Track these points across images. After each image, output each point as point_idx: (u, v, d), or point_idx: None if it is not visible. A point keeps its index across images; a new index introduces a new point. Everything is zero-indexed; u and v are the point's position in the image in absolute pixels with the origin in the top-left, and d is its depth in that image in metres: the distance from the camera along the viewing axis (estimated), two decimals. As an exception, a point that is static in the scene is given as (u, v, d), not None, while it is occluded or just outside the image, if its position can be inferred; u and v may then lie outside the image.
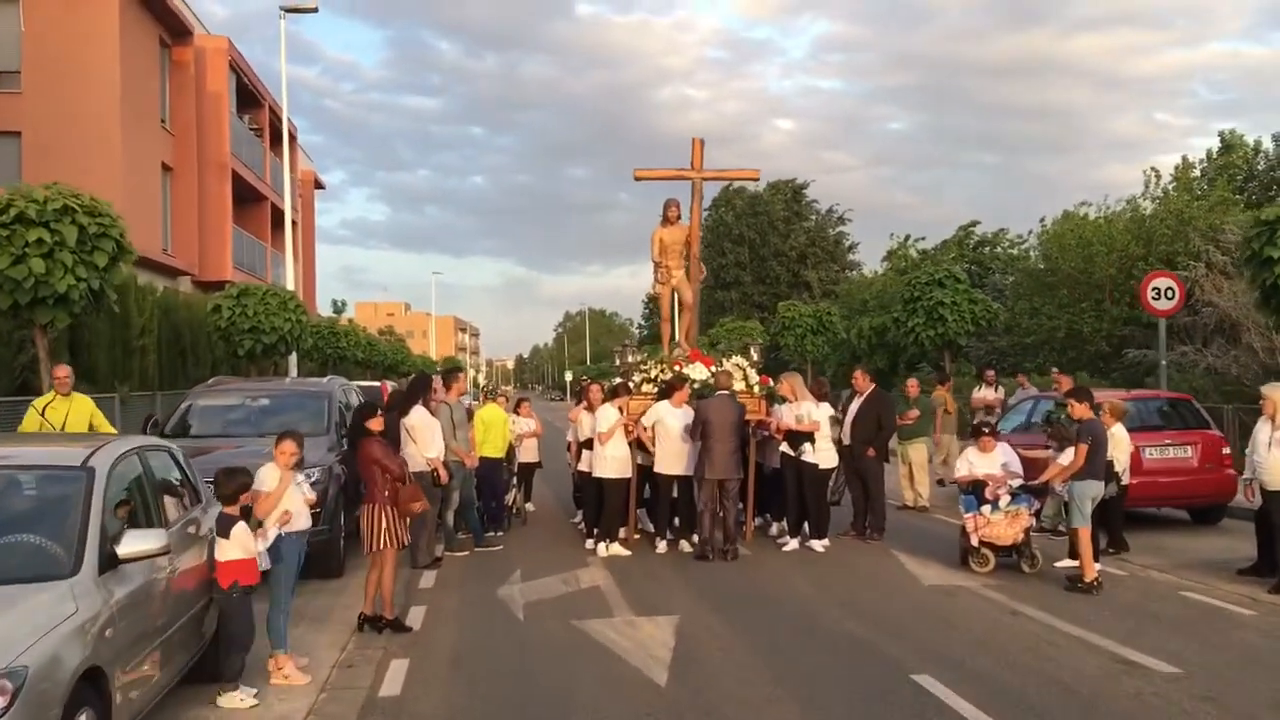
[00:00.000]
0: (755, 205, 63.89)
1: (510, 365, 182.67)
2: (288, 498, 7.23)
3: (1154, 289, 16.05)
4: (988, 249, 48.91)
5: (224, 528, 6.61)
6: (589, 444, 12.15)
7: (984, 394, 18.72)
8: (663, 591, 9.85)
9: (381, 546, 8.33)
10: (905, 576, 10.43)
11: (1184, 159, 47.99)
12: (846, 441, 12.41)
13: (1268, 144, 46.33)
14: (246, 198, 35.67)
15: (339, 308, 57.78)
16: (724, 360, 12.73)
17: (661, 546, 11.85)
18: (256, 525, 7.00)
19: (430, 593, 9.97)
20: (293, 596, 7.46)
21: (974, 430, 11.25)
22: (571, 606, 9.21)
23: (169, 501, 6.77)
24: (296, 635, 8.22)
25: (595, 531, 12.23)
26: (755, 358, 12.93)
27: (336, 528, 10.74)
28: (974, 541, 10.49)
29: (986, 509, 10.45)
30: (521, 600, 9.49)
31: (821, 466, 11.83)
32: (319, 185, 52.02)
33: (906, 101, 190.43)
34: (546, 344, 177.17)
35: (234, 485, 6.71)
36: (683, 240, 13.52)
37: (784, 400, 12.60)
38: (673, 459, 11.75)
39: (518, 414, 14.81)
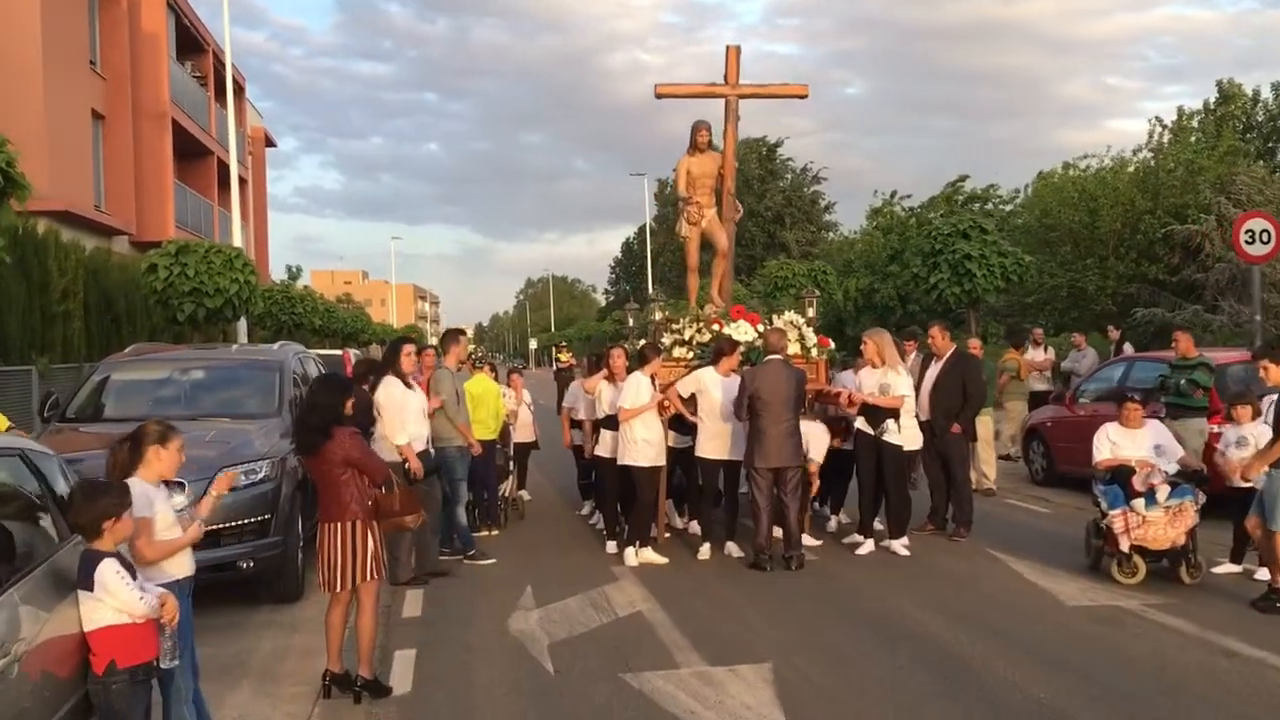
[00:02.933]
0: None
1: (470, 333, 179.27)
2: (169, 525, 4.74)
3: (1247, 232, 13.80)
4: (978, 205, 46.66)
5: (85, 574, 4.14)
6: (609, 422, 9.69)
7: (1033, 356, 16.46)
8: (728, 621, 7.46)
9: (364, 579, 5.86)
10: (1034, 592, 8.10)
11: (1180, 109, 46.11)
12: (924, 416, 10.03)
13: (1266, 94, 44.49)
14: (190, 152, 32.64)
15: (293, 274, 54.66)
16: (773, 318, 10.30)
17: (704, 551, 9.46)
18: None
19: (417, 627, 7.51)
20: (194, 677, 4.97)
21: (1118, 401, 8.84)
22: (615, 648, 6.80)
23: (21, 536, 4.30)
24: (234, 705, 5.77)
25: (618, 531, 9.85)
26: (811, 314, 10.52)
27: (292, 538, 8.25)
28: (1124, 545, 8.17)
29: (1140, 503, 8.08)
30: (545, 638, 7.06)
31: (906, 449, 9.49)
32: (270, 143, 48.77)
33: (862, 66, 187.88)
34: (507, 311, 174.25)
35: (94, 510, 4.23)
36: (714, 171, 11.06)
37: (848, 367, 10.28)
38: (717, 441, 9.35)
39: (509, 386, 12.34)
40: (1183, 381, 10.39)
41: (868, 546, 9.50)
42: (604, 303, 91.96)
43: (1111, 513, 8.20)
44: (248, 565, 7.77)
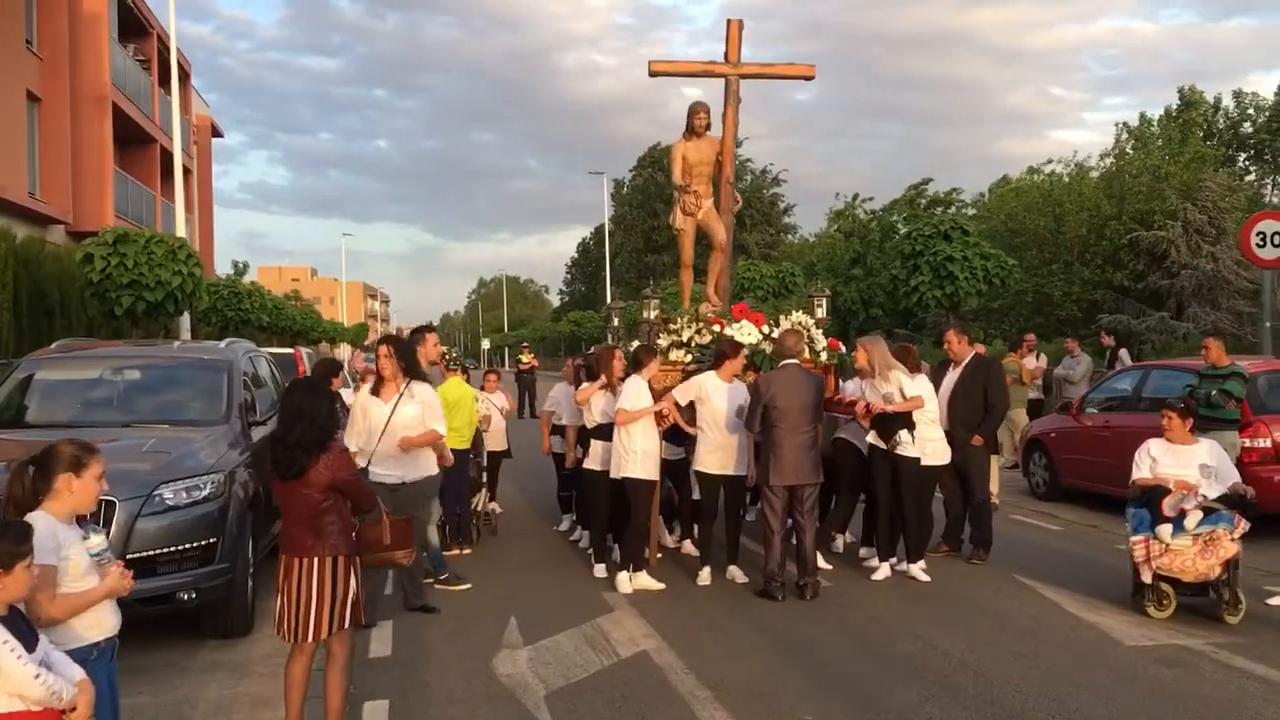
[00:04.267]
0: (687, 164, 60.49)
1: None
2: (82, 574, 3.71)
3: (1258, 234, 13.10)
4: (940, 209, 46.24)
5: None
6: (600, 432, 8.70)
7: (1025, 363, 15.70)
8: (746, 663, 6.52)
9: (340, 627, 4.85)
10: (1080, 627, 7.23)
11: (1142, 115, 45.98)
12: (942, 428, 9.16)
13: (1228, 101, 44.51)
14: (132, 138, 31.16)
15: (240, 270, 52.98)
16: (782, 318, 9.37)
17: (704, 576, 8.50)
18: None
19: (389, 670, 6.47)
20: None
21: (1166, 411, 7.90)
22: (624, 699, 5.83)
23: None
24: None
25: (607, 551, 8.90)
26: (822, 314, 9.61)
27: (241, 563, 7.18)
28: (1145, 575, 7.37)
29: (1165, 529, 7.22)
30: (540, 686, 6.06)
31: (925, 463, 8.61)
32: (217, 133, 47.08)
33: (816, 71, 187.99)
34: (458, 311, 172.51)
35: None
36: (713, 158, 10.11)
37: (856, 373, 9.40)
38: (719, 454, 8.42)
39: (484, 389, 11.33)
40: (1214, 392, 9.63)
41: (884, 571, 8.62)
42: (559, 303, 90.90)
43: (1133, 539, 7.39)
44: (189, 597, 6.70)
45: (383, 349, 7.51)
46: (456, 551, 9.72)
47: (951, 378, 9.39)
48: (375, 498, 5.08)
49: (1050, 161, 46.40)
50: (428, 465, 7.58)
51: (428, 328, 8.99)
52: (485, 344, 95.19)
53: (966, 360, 9.43)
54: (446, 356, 10.26)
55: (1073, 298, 35.76)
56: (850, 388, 9.56)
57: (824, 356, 9.34)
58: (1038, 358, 16.27)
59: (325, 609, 4.76)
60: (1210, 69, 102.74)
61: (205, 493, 6.90)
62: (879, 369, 8.51)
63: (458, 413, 9.54)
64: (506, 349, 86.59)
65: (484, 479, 10.72)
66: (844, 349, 9.68)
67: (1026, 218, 37.49)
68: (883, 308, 39.51)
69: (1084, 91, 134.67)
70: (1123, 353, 15.47)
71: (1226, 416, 9.60)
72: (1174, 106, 44.93)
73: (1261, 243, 13.11)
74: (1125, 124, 45.79)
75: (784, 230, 61.87)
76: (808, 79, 10.25)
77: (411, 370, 7.49)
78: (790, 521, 8.12)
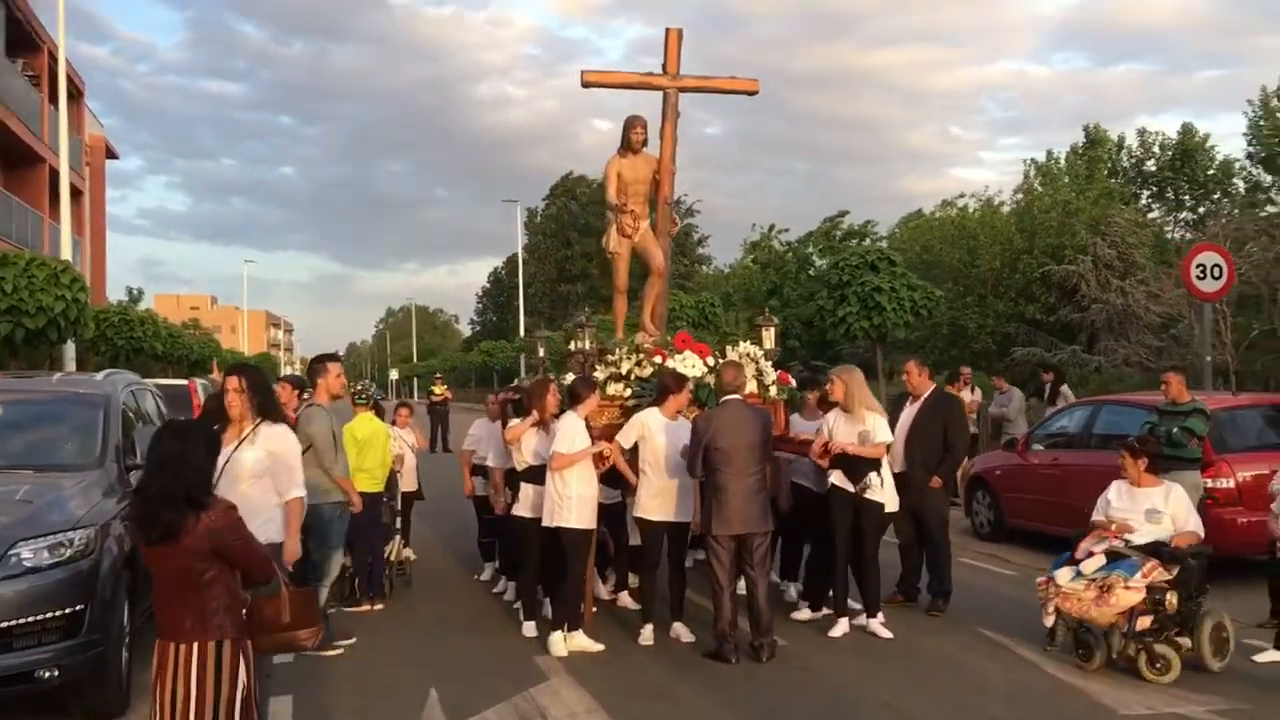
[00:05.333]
0: (602, 193, 60.03)
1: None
2: None
3: (1198, 266, 12.79)
4: (856, 241, 46.32)
5: None
6: (531, 474, 7.83)
7: (962, 396, 15.22)
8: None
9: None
10: (1068, 692, 6.56)
11: (1049, 153, 46.70)
12: (898, 467, 8.50)
13: (1131, 139, 45.43)
14: (18, 157, 29.48)
15: (134, 296, 50.63)
16: (726, 349, 8.63)
17: (647, 635, 7.66)
18: None
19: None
20: None
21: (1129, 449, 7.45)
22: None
23: None
24: None
25: (537, 606, 8.04)
26: (770, 344, 8.90)
27: (114, 633, 6.16)
28: (1045, 618, 7.09)
29: (1063, 572, 7.00)
30: (470, 781, 5.18)
31: (887, 509, 7.93)
32: (111, 154, 45.10)
33: (722, 107, 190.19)
34: (365, 341, 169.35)
35: None
36: (649, 176, 9.39)
37: (807, 408, 8.74)
38: (662, 499, 7.62)
39: (395, 425, 10.39)
40: (1175, 430, 9.13)
41: (843, 627, 7.88)
42: (469, 333, 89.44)
43: (1039, 578, 7.22)
44: (51, 675, 5.68)
45: (230, 381, 5.90)
46: (367, 607, 8.75)
47: (910, 413, 8.74)
48: (271, 565, 4.16)
49: (962, 196, 46.87)
50: (267, 528, 5.64)
51: (330, 357, 7.97)
52: (393, 374, 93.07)
53: (926, 395, 8.79)
54: (357, 389, 9.32)
55: (987, 330, 35.89)
56: (800, 424, 8.88)
57: (774, 391, 8.62)
58: (973, 391, 15.86)
59: (207, 708, 3.83)
60: (1101, 112, 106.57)
61: (72, 551, 5.89)
62: (857, 404, 7.81)
63: (369, 452, 8.63)
64: (416, 379, 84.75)
65: (397, 524, 9.76)
66: (793, 382, 8.98)
67: (942, 250, 37.63)
68: (800, 339, 39.29)
69: (982, 131, 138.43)
70: (1064, 388, 15.09)
71: (1188, 455, 9.11)
72: (1080, 144, 45.74)
73: (1201, 275, 12.81)
74: (1033, 160, 46.47)
75: (698, 261, 61.61)
76: (751, 94, 9.59)
77: (267, 409, 5.89)
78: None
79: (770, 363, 8.73)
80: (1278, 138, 34.51)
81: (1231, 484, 9.31)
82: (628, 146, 9.19)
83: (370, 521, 8.65)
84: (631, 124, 9.14)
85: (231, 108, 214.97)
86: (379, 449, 8.77)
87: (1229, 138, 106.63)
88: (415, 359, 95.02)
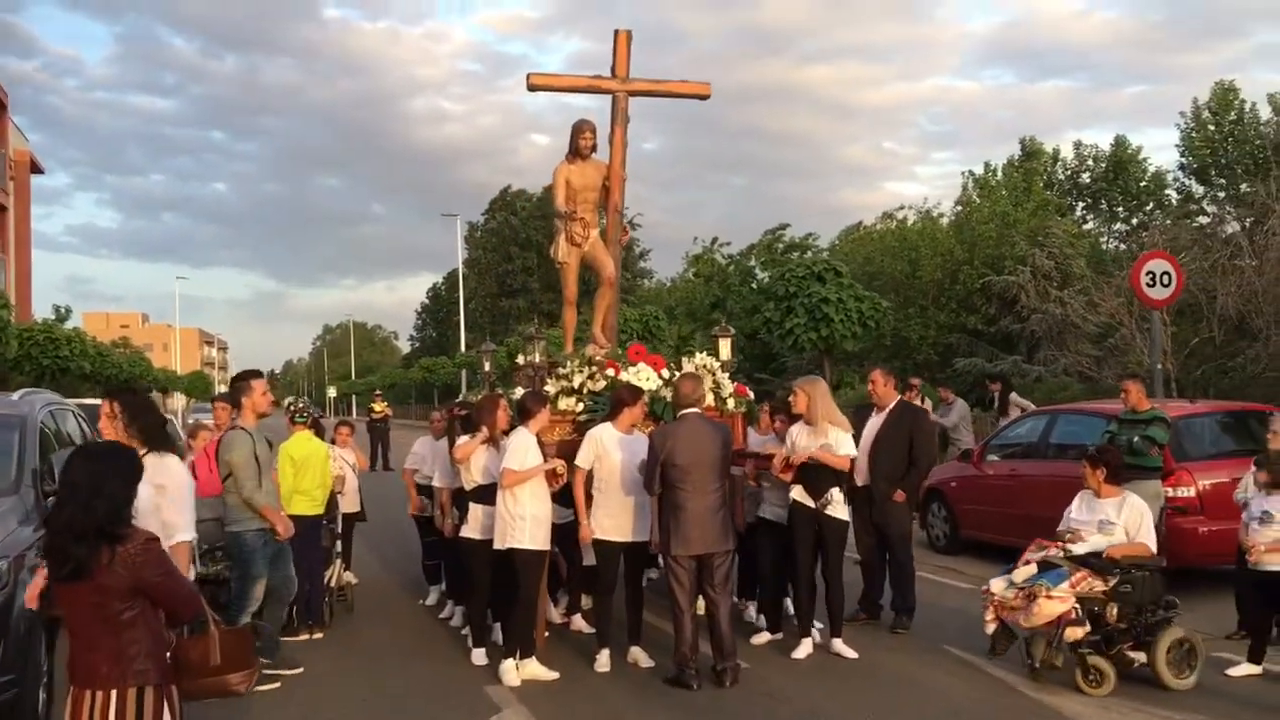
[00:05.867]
0: (543, 207, 59.63)
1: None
2: None
3: (1148, 273, 12.74)
4: (797, 254, 46.38)
5: None
6: (481, 494, 7.45)
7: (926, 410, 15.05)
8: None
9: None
10: (1042, 713, 6.34)
11: (986, 165, 47.19)
12: (861, 480, 8.25)
13: (1067, 152, 46.06)
14: (-64, 170, 28.42)
15: (61, 315, 49.04)
16: (683, 361, 8.33)
17: (603, 661, 7.31)
18: None
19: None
20: None
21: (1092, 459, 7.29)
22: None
23: None
24: None
25: (487, 631, 7.67)
26: (727, 355, 8.61)
27: (31, 673, 5.69)
28: (986, 620, 6.99)
29: (997, 580, 6.98)
30: (421, 827, 4.79)
31: (842, 520, 7.67)
32: (37, 169, 43.83)
33: (659, 123, 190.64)
34: (303, 358, 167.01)
35: None
36: (599, 183, 9.08)
37: (764, 421, 8.48)
38: (618, 518, 7.28)
39: (335, 444, 9.96)
40: (1136, 439, 8.99)
41: (806, 648, 7.59)
42: (409, 349, 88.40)
43: (983, 588, 7.18)
44: (-43, 722, 5.21)
45: (104, 407, 5.16)
46: (306, 636, 8.31)
47: (875, 425, 8.50)
48: (199, 602, 3.77)
49: (903, 208, 47.15)
50: None
51: (254, 373, 7.46)
52: (331, 392, 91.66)
53: (891, 405, 8.56)
54: (294, 407, 8.87)
55: (929, 341, 36.07)
56: (755, 440, 8.60)
57: (731, 404, 8.34)
58: (922, 401, 15.71)
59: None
60: (1030, 127, 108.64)
61: (-19, 585, 5.42)
62: (820, 417, 7.53)
63: (306, 473, 8.20)
64: (355, 397, 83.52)
65: (338, 547, 9.31)
66: (751, 395, 8.70)
67: (883, 262, 37.79)
68: (743, 352, 39.22)
69: (915, 146, 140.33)
70: (1013, 395, 14.99)
71: (1149, 464, 8.97)
72: (1016, 156, 46.29)
73: (1151, 282, 12.76)
74: (971, 172, 46.96)
75: (640, 275, 61.42)
76: (702, 98, 9.33)
77: (152, 437, 5.08)
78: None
79: (728, 374, 8.43)
80: (1209, 149, 35.13)
81: (1193, 493, 9.19)
82: (576, 152, 8.88)
83: (309, 545, 8.22)
84: (580, 129, 8.83)
85: (162, 123, 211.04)
86: (317, 469, 8.34)
87: (1157, 151, 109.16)
88: (354, 376, 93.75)
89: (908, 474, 8.35)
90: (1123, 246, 38.23)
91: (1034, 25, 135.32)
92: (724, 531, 7.03)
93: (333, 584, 9.08)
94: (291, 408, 8.94)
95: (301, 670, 7.27)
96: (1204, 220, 33.70)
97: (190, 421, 15.83)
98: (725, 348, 8.64)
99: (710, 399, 8.07)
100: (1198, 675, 6.72)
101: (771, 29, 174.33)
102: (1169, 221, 35.64)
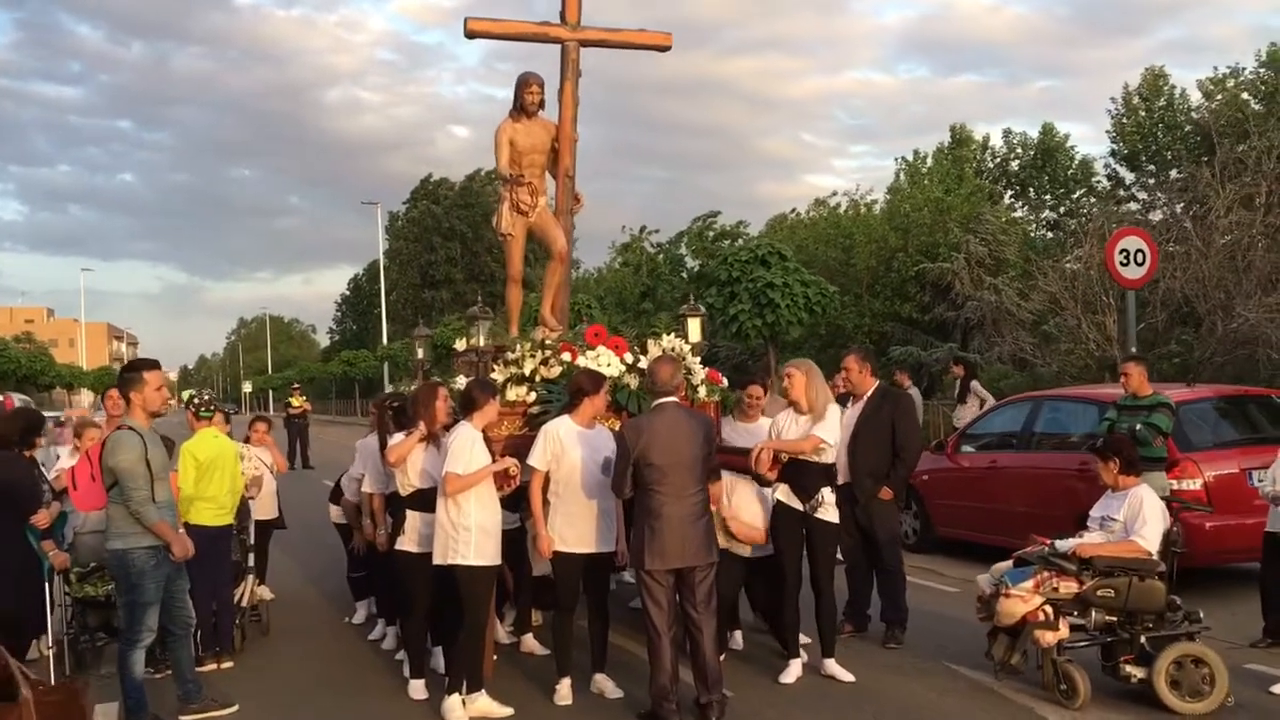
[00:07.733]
0: (466, 196, 58.25)
1: (174, 377, 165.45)
2: None
3: (1121, 251, 12.06)
4: (728, 242, 45.67)
5: None
6: (418, 500, 6.37)
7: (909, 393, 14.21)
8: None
9: None
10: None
11: (916, 152, 46.94)
12: (842, 478, 7.31)
13: (996, 140, 45.96)
14: None
15: (-42, 309, 46.45)
16: (650, 343, 7.33)
17: (564, 692, 6.29)
18: None
19: None
20: None
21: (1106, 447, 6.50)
22: None
23: None
24: None
25: (426, 657, 6.60)
26: (698, 337, 7.62)
27: None
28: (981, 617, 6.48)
29: (982, 576, 6.52)
30: None
31: (833, 524, 6.74)
32: (-73, 152, 41.34)
33: (581, 114, 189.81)
34: (216, 353, 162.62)
35: None
36: (548, 145, 8.05)
37: (744, 409, 7.53)
38: (579, 526, 6.27)
39: (249, 442, 8.79)
40: (1139, 426, 8.24)
41: (795, 671, 6.64)
42: (328, 343, 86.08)
43: None
44: None
45: None
46: (214, 665, 7.17)
47: (851, 416, 7.57)
48: (4, 661, 2.67)
49: (835, 194, 46.67)
50: None
51: (146, 363, 6.25)
52: (247, 387, 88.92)
53: (869, 393, 7.65)
54: (197, 400, 7.68)
55: (864, 329, 35.58)
56: (784, 425, 7.60)
57: (703, 392, 7.35)
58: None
59: None
60: (944, 119, 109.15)
61: None
62: (822, 404, 6.57)
63: (213, 477, 7.06)
64: (271, 392, 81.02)
65: (249, 561, 8.14)
66: (724, 381, 7.72)
67: (817, 249, 37.21)
68: (758, 331, 38.50)
69: (833, 139, 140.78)
70: (974, 384, 14.25)
71: (1152, 455, 8.19)
72: (945, 144, 46.09)
73: (1125, 261, 12.09)
74: (904, 158, 46.69)
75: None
76: (663, 49, 8.33)
77: None
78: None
79: (698, 359, 7.46)
80: (1139, 134, 35.10)
81: (1199, 485, 8.42)
82: (522, 109, 7.83)
83: (216, 561, 7.09)
84: (526, 82, 7.79)
85: (67, 112, 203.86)
86: (226, 473, 7.19)
87: (1076, 144, 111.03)
88: (270, 371, 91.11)
89: (893, 468, 7.44)
90: (1050, 235, 38.16)
91: (948, 20, 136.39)
92: (706, 541, 6.03)
93: (244, 603, 7.92)
94: (195, 400, 7.75)
95: (237, 708, 6.16)
96: (1133, 206, 33.69)
97: (77, 417, 13.87)
98: (695, 329, 7.66)
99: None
100: (1219, 697, 5.85)
101: (693, 21, 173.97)
102: (1097, 209, 35.62)
